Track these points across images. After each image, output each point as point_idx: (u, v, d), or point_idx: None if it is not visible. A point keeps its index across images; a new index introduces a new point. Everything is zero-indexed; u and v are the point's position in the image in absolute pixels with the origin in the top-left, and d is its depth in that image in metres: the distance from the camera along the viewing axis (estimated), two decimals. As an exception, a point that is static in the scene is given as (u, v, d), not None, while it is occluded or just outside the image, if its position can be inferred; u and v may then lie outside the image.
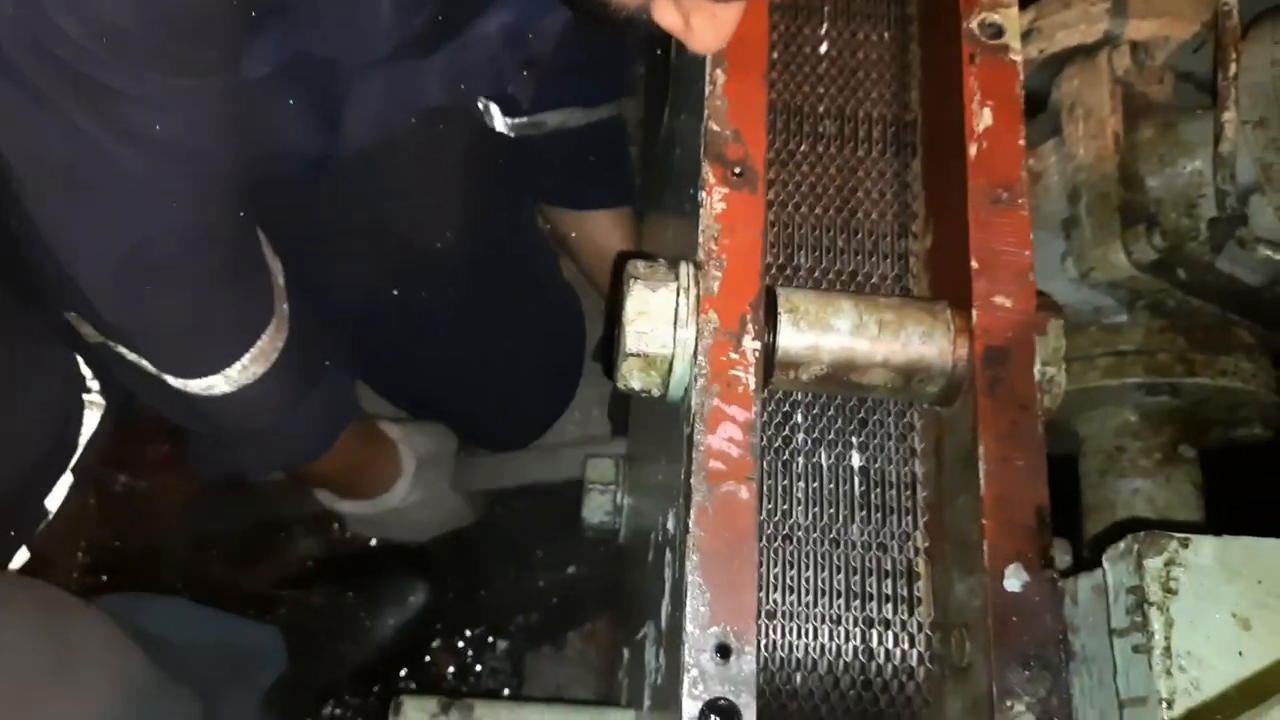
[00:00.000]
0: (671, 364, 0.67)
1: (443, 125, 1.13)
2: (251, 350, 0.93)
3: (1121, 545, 0.57)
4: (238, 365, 0.93)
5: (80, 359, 1.08)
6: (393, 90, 0.98)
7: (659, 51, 1.25)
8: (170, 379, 0.93)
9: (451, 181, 1.19)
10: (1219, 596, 0.52)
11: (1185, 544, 0.54)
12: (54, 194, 0.82)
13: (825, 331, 0.68)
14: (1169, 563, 0.53)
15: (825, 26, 0.85)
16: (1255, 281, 1.03)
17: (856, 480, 0.74)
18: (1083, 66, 1.03)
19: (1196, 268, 0.99)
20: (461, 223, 1.20)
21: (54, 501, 1.09)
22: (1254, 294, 1.04)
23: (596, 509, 1.08)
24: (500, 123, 1.18)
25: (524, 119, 1.19)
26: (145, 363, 0.94)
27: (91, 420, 1.11)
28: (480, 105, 1.18)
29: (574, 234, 1.34)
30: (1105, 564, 0.58)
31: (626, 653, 0.95)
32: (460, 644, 1.33)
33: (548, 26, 1.01)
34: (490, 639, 1.33)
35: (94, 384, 1.12)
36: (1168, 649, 0.52)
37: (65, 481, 1.09)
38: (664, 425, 0.79)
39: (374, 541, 1.39)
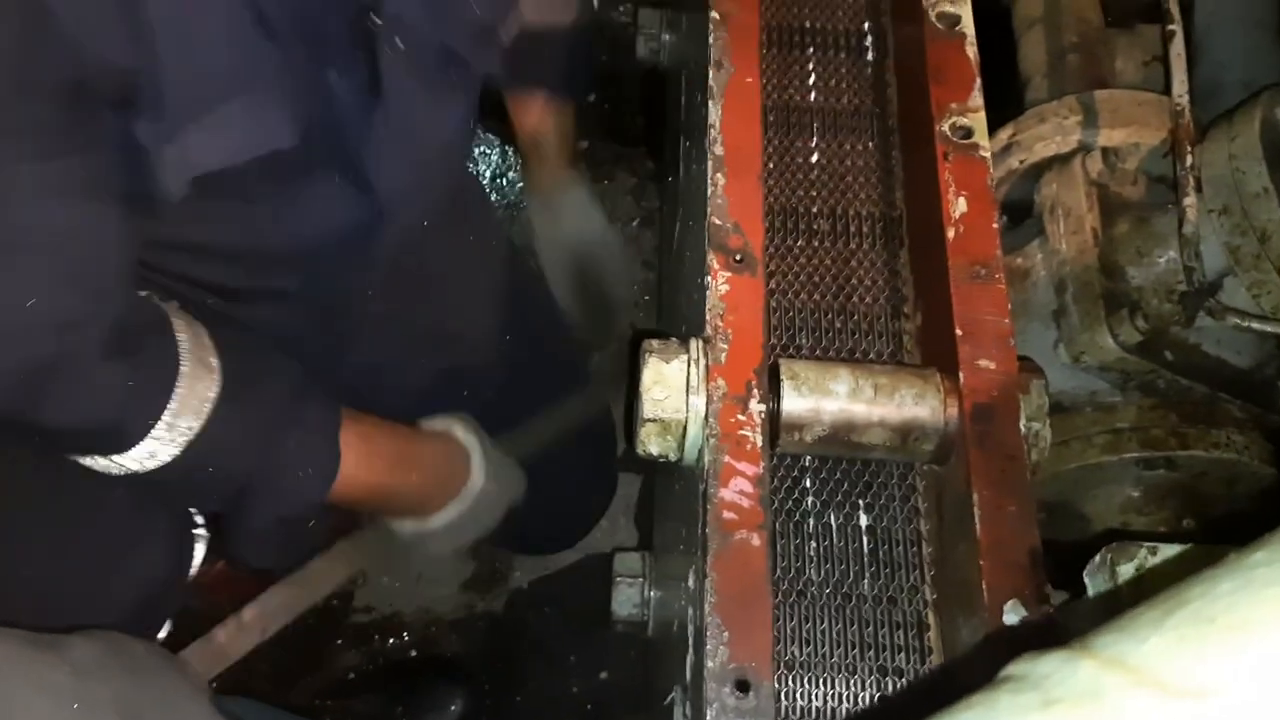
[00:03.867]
0: (685, 428, 0.74)
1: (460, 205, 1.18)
2: (170, 407, 0.91)
3: (1097, 558, 0.62)
4: (161, 425, 0.91)
5: None
6: (410, 120, 0.99)
7: (669, 179, 1.36)
8: (115, 460, 0.92)
9: (480, 270, 1.27)
10: (1188, 599, 0.57)
11: (1154, 551, 0.59)
12: None
13: (825, 395, 0.75)
14: (1139, 568, 0.58)
15: (815, 140, 0.95)
16: (1243, 364, 1.09)
17: (865, 539, 0.80)
18: (1060, 171, 1.12)
19: (1183, 350, 1.05)
20: (494, 308, 1.27)
21: (163, 633, 1.14)
22: (1243, 375, 1.09)
23: (625, 601, 1.12)
24: None
25: None
26: (92, 460, 0.93)
27: (199, 552, 1.16)
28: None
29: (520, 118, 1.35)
30: (1085, 578, 0.63)
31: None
32: (498, 751, 1.35)
33: None
34: (527, 746, 1.36)
35: (199, 518, 1.16)
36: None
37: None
38: (683, 501, 0.85)
39: (413, 653, 1.43)
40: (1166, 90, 1.00)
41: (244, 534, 1.03)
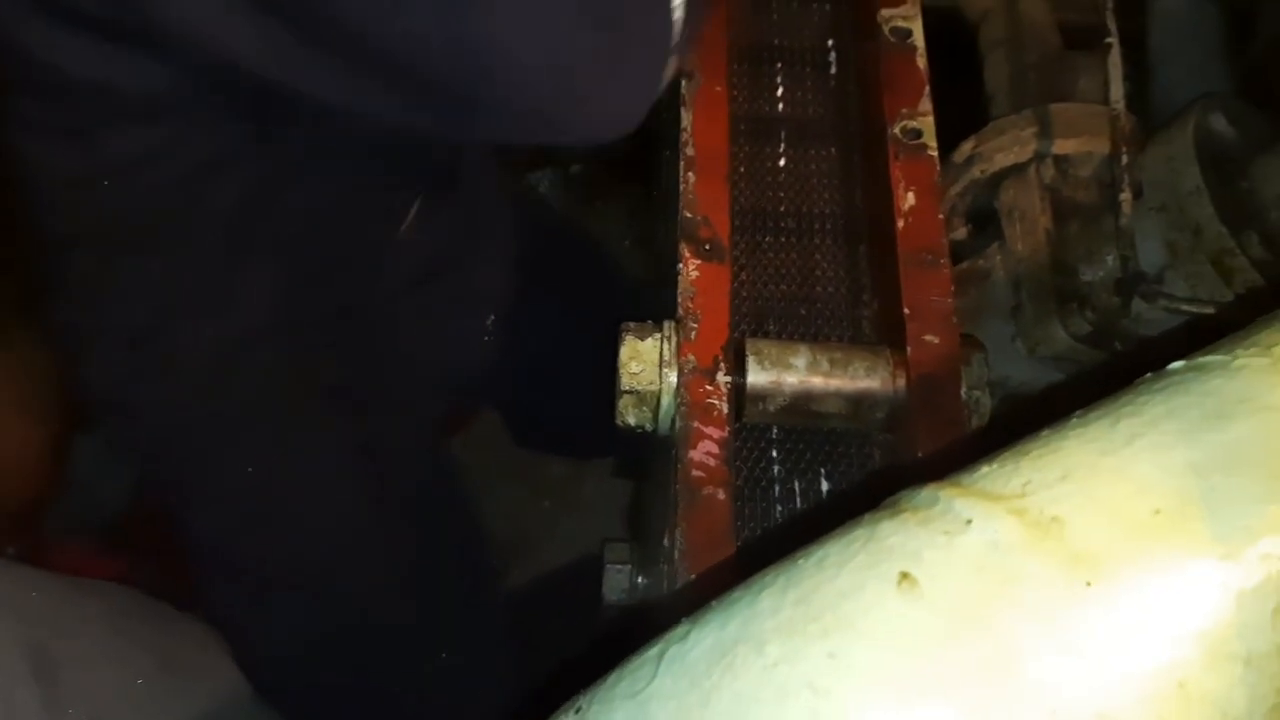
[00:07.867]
0: (659, 399, 0.82)
1: None
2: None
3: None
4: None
5: None
6: None
7: (654, 193, 1.44)
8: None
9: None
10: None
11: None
12: None
13: (785, 369, 0.83)
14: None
15: (783, 147, 1.03)
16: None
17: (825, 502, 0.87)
18: (1017, 179, 1.21)
19: (1130, 341, 1.12)
20: None
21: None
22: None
23: (615, 587, 1.19)
24: None
25: None
26: None
27: None
28: None
29: None
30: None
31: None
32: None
33: None
34: None
35: None
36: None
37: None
38: (660, 475, 0.93)
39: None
40: (1106, 100, 1.08)
41: None
